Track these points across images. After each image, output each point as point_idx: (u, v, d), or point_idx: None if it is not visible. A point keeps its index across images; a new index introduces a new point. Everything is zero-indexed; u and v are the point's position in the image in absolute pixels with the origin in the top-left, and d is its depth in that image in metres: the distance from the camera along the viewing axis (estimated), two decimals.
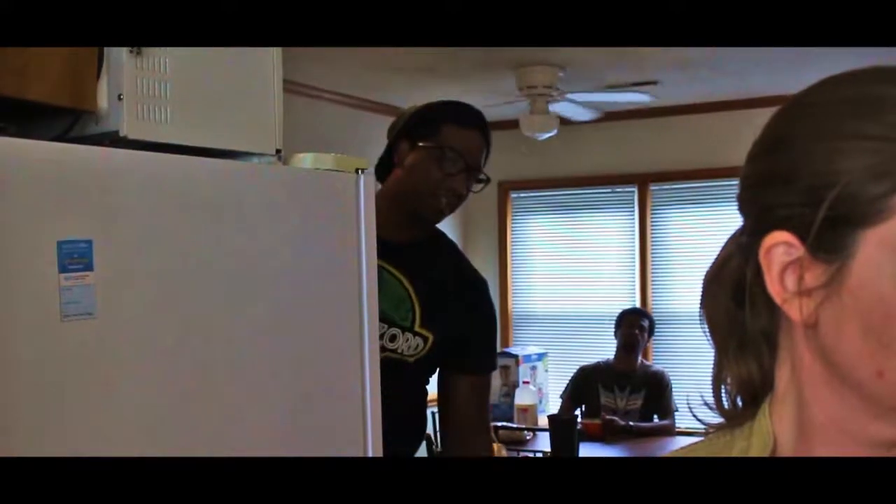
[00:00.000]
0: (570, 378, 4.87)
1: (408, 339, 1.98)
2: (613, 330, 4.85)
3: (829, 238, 0.61)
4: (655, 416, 4.57)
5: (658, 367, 4.75)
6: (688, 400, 0.77)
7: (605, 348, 5.07)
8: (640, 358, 4.75)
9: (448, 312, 2.03)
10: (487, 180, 2.05)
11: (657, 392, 4.57)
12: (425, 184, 1.96)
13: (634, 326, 4.74)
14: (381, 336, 1.94)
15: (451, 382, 2.08)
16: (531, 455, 3.98)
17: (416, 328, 1.99)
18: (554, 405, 5.14)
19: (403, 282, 1.99)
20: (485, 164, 2.04)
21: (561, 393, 4.88)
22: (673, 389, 4.58)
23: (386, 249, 1.86)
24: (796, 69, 4.24)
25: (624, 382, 4.63)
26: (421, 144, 1.98)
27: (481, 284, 2.14)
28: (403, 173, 1.99)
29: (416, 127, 2.02)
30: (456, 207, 2.01)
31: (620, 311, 4.99)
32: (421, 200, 1.97)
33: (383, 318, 1.93)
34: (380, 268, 1.87)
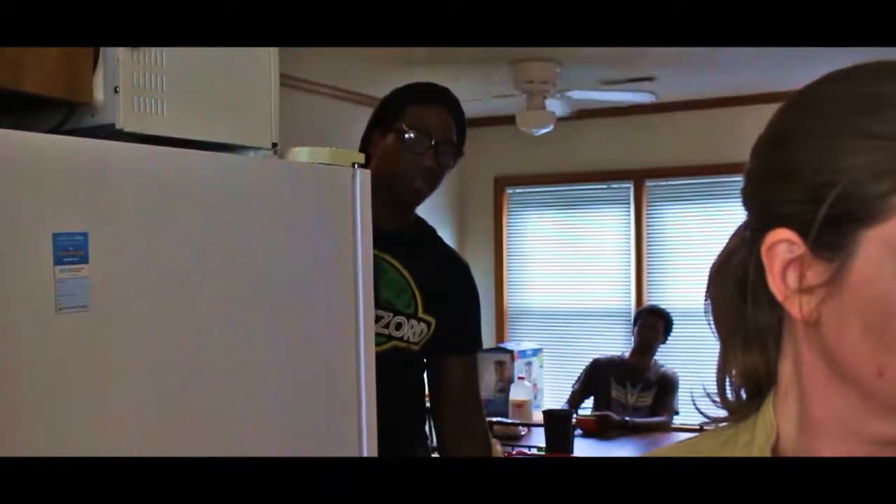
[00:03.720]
0: (582, 370, 4.89)
1: (412, 326, 2.03)
2: (631, 327, 4.84)
3: (831, 236, 0.61)
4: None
5: (671, 368, 4.75)
6: (691, 393, 0.77)
7: (599, 344, 5.08)
8: (654, 357, 4.76)
9: (445, 296, 2.08)
10: (460, 154, 2.09)
11: (665, 391, 4.59)
12: (397, 167, 2.00)
13: (650, 327, 4.74)
14: (387, 325, 1.99)
15: (444, 364, 2.12)
16: (526, 451, 3.98)
17: (420, 314, 2.03)
18: (549, 401, 5.14)
19: (401, 269, 2.03)
20: (460, 137, 2.09)
21: (573, 383, 4.89)
22: (679, 391, 4.60)
23: (380, 238, 1.88)
24: (793, 66, 4.24)
25: (636, 379, 4.64)
26: (388, 130, 2.03)
27: (466, 266, 2.22)
28: (378, 161, 2.04)
29: (382, 114, 2.08)
30: (434, 185, 2.06)
31: (639, 309, 4.98)
32: (398, 184, 2.01)
33: (388, 307, 1.99)
34: (377, 257, 1.90)
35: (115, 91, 1.38)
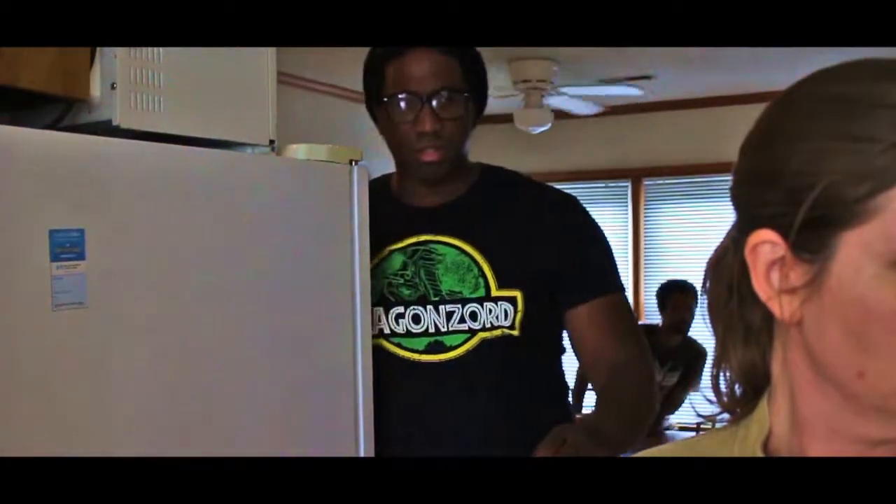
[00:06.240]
0: None
1: (491, 311, 1.68)
2: (657, 306, 4.60)
3: (811, 238, 0.61)
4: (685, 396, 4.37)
5: (701, 343, 4.43)
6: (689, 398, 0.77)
7: None
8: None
9: (529, 255, 1.71)
10: (480, 97, 1.72)
11: (693, 369, 4.41)
12: (399, 143, 1.69)
13: (683, 308, 4.43)
14: (462, 318, 1.69)
15: (569, 320, 1.73)
16: None
17: (494, 293, 1.68)
18: None
19: (461, 246, 1.71)
20: (471, 77, 1.69)
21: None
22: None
23: (427, 220, 1.73)
24: (793, 65, 4.23)
25: (665, 358, 4.40)
26: (378, 102, 1.71)
27: (564, 203, 1.78)
28: (386, 139, 1.75)
29: (367, 85, 1.74)
30: (448, 148, 1.68)
31: (663, 285, 4.65)
32: (407, 162, 1.72)
33: (453, 299, 1.70)
34: (427, 244, 1.73)
35: (113, 87, 1.37)
